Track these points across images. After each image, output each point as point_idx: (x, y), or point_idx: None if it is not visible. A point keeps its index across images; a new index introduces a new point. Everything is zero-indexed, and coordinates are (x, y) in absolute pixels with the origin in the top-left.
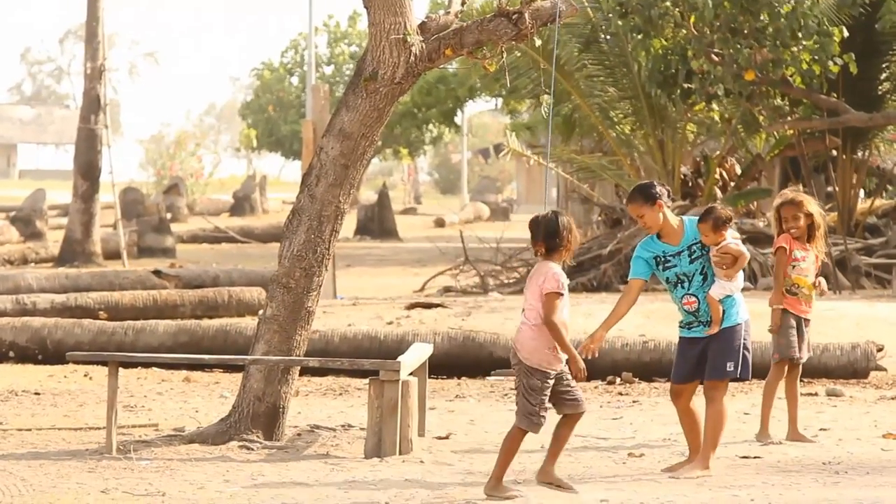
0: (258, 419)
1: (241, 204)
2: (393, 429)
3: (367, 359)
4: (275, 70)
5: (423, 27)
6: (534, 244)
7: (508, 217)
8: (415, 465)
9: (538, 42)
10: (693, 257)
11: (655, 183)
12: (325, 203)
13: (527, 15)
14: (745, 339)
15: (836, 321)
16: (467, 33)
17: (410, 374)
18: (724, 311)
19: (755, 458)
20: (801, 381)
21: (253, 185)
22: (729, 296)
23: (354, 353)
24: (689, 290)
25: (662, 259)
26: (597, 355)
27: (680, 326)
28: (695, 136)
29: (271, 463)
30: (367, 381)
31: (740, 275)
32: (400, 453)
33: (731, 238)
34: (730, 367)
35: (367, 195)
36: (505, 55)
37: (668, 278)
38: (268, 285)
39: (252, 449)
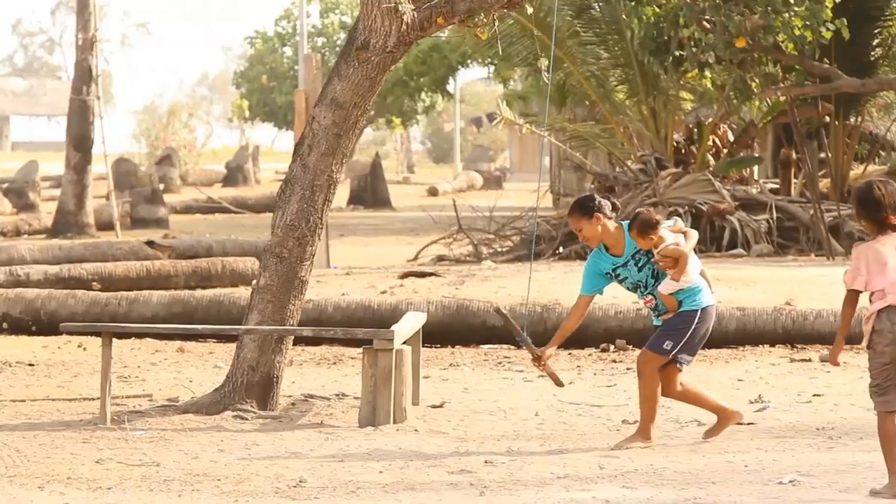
0: (252, 389)
1: (234, 174)
2: (387, 398)
3: (361, 328)
4: (268, 40)
5: None
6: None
7: (501, 185)
8: (409, 434)
9: (530, 10)
10: (640, 265)
11: (595, 196)
12: (317, 172)
13: None
14: (695, 326)
15: (830, 287)
16: (459, 1)
17: (404, 342)
18: (680, 301)
19: (749, 424)
20: (794, 347)
21: (246, 156)
22: (681, 290)
23: (348, 322)
24: (645, 291)
25: (613, 272)
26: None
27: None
28: (689, 104)
29: (265, 432)
30: (360, 350)
31: (694, 263)
32: (394, 422)
33: (670, 236)
34: (666, 345)
35: (362, 164)
36: (497, 23)
37: (626, 287)
38: (261, 255)
39: (246, 419)
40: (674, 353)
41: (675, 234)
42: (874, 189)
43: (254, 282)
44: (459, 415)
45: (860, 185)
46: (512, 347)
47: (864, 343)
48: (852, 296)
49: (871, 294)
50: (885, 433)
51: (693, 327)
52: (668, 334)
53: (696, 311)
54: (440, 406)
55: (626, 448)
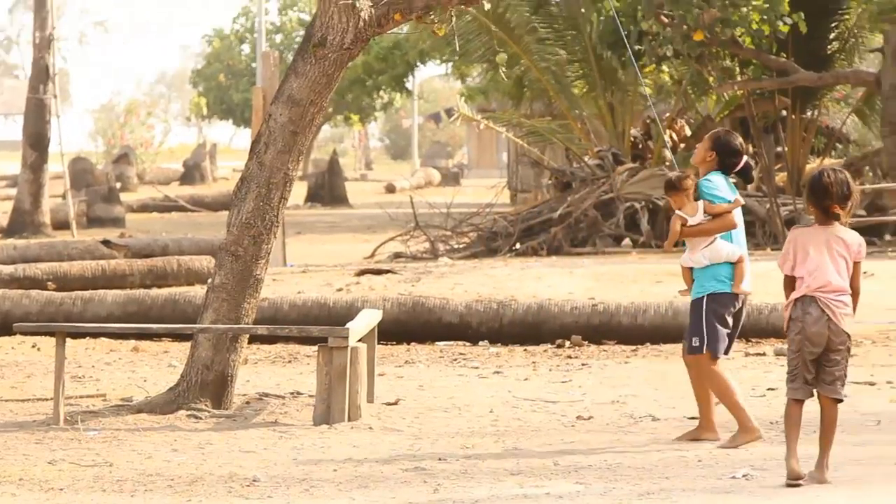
0: (206, 388)
1: (192, 172)
2: (342, 395)
3: (316, 326)
4: (225, 37)
5: None
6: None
7: (459, 182)
8: (363, 432)
9: (487, 6)
10: None
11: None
12: (273, 170)
13: None
14: (706, 315)
15: None
16: None
17: (359, 340)
18: (693, 280)
19: None
20: (748, 341)
21: (203, 154)
22: (697, 267)
23: (304, 320)
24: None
25: None
26: None
27: None
28: (645, 98)
29: (219, 431)
30: (316, 348)
31: (719, 245)
32: (349, 420)
33: (695, 209)
34: (695, 342)
35: (319, 161)
36: (454, 19)
37: None
38: (217, 254)
39: (200, 418)
40: (707, 346)
41: (698, 208)
42: (824, 176)
43: (209, 280)
44: (414, 412)
45: (813, 172)
46: (468, 344)
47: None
48: (788, 280)
49: (796, 280)
50: (788, 418)
51: (704, 317)
52: (690, 331)
53: (701, 298)
54: (395, 403)
55: (736, 447)
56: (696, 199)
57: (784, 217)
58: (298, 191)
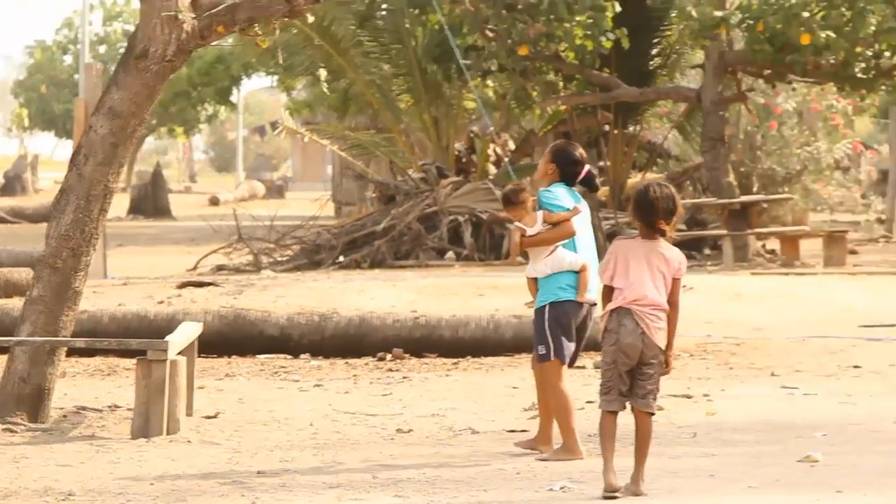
0: (22, 401)
1: (12, 183)
2: (160, 409)
3: (137, 339)
4: (47, 48)
5: (195, 4)
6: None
7: (283, 195)
8: (182, 445)
9: (311, 18)
10: None
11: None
12: (93, 182)
13: None
14: (548, 324)
15: None
16: (240, 10)
17: (179, 353)
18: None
19: (522, 431)
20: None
21: (24, 165)
22: (539, 278)
23: (124, 333)
24: None
25: None
26: None
27: None
28: (469, 113)
29: (35, 445)
30: (135, 361)
31: (561, 254)
32: (167, 433)
33: (533, 219)
34: (541, 349)
35: (142, 173)
36: (278, 32)
37: None
38: (35, 266)
39: (16, 431)
40: (554, 354)
41: (537, 219)
42: (650, 191)
43: (27, 293)
44: (234, 425)
45: (639, 186)
46: (289, 357)
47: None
48: (606, 290)
49: (613, 291)
50: (603, 431)
51: (546, 325)
52: (535, 340)
53: (543, 307)
54: (214, 417)
55: (552, 461)
56: (538, 209)
57: (606, 231)
58: (121, 202)
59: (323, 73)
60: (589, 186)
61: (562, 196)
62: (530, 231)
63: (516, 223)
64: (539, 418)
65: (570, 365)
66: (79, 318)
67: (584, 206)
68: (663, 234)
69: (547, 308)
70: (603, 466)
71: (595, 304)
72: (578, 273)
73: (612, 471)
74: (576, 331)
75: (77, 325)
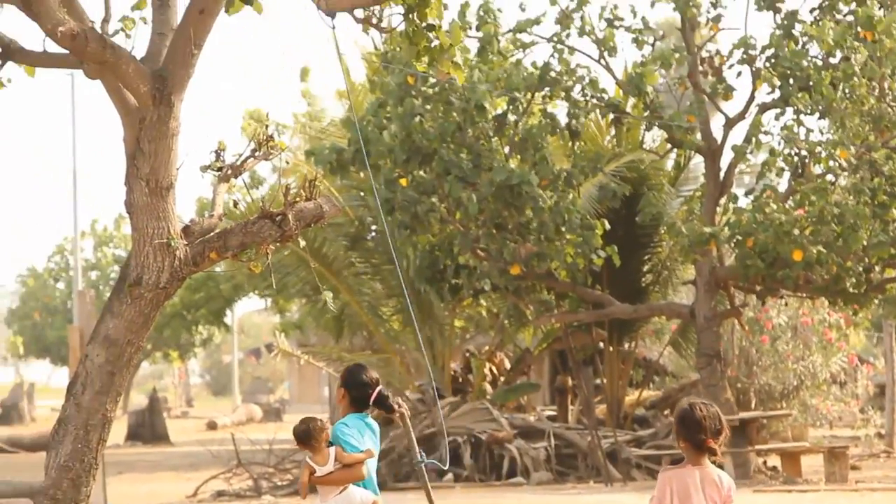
0: None
1: (9, 413)
2: None
3: None
4: (39, 276)
5: (186, 231)
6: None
7: (281, 418)
8: None
9: (303, 243)
10: None
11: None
12: (91, 411)
13: (290, 216)
14: None
15: None
16: (232, 236)
17: None
18: None
19: None
20: None
21: (21, 393)
22: None
23: None
24: None
25: None
26: None
27: None
28: (463, 332)
29: None
30: None
31: (352, 491)
32: None
33: (329, 457)
34: None
35: (139, 399)
36: (270, 256)
37: None
38: (35, 497)
39: None
40: None
41: (329, 456)
42: (696, 410)
43: None
44: None
45: (682, 405)
46: None
47: None
48: None
49: None
50: None
51: None
52: None
53: None
54: None
55: None
56: (331, 444)
57: (605, 449)
58: (118, 429)
59: (328, 294)
60: (383, 408)
61: (355, 434)
62: (321, 470)
63: (307, 460)
64: None
65: None
66: None
67: (375, 434)
68: (714, 453)
69: None
70: None
71: None
72: None
73: None
74: None
75: None
